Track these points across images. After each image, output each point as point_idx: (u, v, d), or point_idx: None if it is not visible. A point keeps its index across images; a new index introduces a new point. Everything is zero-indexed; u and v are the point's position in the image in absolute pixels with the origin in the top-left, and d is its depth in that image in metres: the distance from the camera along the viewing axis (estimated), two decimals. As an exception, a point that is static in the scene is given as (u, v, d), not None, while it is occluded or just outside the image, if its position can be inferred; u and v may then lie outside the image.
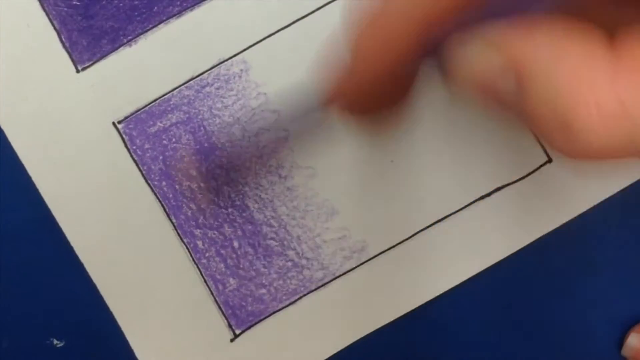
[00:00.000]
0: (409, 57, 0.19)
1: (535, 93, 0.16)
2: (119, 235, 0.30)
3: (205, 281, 0.30)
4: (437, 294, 0.30)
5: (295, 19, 0.30)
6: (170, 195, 0.30)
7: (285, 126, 0.25)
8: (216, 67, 0.30)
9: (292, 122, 0.25)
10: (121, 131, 0.30)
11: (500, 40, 0.17)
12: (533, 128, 0.17)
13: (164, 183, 0.30)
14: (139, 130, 0.30)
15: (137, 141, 0.30)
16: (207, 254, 0.30)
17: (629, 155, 0.16)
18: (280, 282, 0.30)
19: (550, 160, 0.30)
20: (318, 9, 0.30)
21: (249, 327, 0.30)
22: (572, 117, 0.16)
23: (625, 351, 0.30)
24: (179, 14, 0.30)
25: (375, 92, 0.20)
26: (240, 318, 0.30)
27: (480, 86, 0.18)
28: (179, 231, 0.30)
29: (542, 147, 0.30)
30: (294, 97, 0.25)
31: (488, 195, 0.30)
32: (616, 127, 0.15)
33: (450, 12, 0.18)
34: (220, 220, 0.30)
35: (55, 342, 0.30)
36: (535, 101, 0.16)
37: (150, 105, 0.30)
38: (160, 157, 0.30)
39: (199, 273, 0.30)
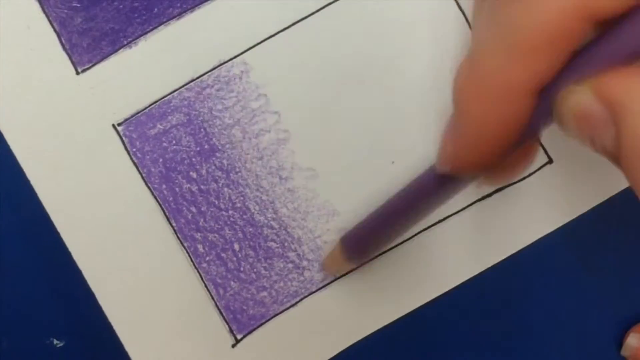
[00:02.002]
0: (518, 112, 0.18)
1: (631, 142, 0.16)
2: (118, 238, 0.30)
3: (205, 285, 0.30)
4: (438, 294, 0.30)
5: (295, 20, 0.30)
6: (171, 198, 0.30)
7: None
8: (216, 69, 0.30)
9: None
10: (121, 133, 0.30)
11: (604, 84, 0.17)
12: (629, 180, 0.17)
13: (164, 186, 0.30)
14: (139, 132, 0.30)
15: (137, 143, 0.30)
16: (207, 258, 0.30)
17: None
18: (281, 284, 0.30)
19: (551, 161, 0.30)
20: (318, 10, 0.30)
21: (251, 332, 0.30)
22: None
23: (624, 351, 0.30)
24: (179, 15, 0.30)
25: (490, 148, 0.19)
26: (242, 322, 0.30)
27: (583, 131, 0.17)
28: (179, 235, 0.30)
29: (543, 147, 0.30)
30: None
31: (489, 196, 0.30)
32: None
33: (555, 67, 0.17)
34: (220, 223, 0.30)
35: (55, 342, 0.30)
36: (630, 151, 0.16)
37: (150, 107, 0.30)
38: (161, 160, 0.30)
39: (199, 277, 0.30)
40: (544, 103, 0.18)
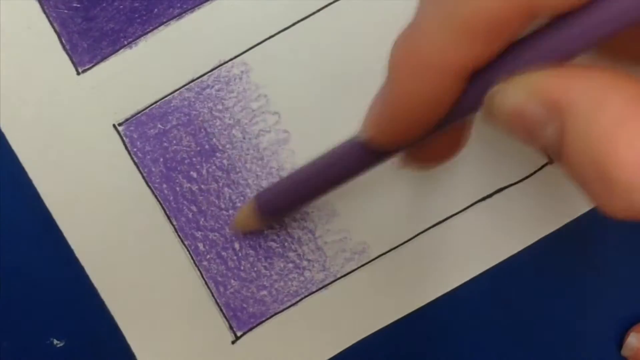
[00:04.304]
0: (448, 91, 0.18)
1: (574, 140, 0.16)
2: (119, 237, 0.30)
3: (206, 283, 0.30)
4: (438, 295, 0.30)
5: (295, 20, 0.30)
6: (171, 198, 0.30)
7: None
8: (216, 69, 0.30)
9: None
10: (122, 133, 0.30)
11: (541, 83, 0.16)
12: (572, 177, 0.16)
13: (164, 185, 0.30)
14: (140, 132, 0.30)
15: (138, 143, 0.30)
16: (208, 256, 0.30)
17: None
18: (282, 283, 0.30)
19: (551, 162, 0.30)
20: (319, 10, 0.30)
21: (250, 329, 0.30)
22: (612, 171, 0.15)
23: (625, 351, 0.30)
24: (179, 15, 0.30)
25: (415, 122, 0.20)
26: (242, 320, 0.30)
27: (522, 131, 0.17)
28: (179, 233, 0.30)
29: (543, 148, 0.30)
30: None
31: (489, 196, 0.30)
32: None
33: (488, 56, 0.17)
34: (221, 222, 0.30)
35: (55, 342, 0.30)
36: (575, 149, 0.16)
37: (150, 108, 0.30)
38: (161, 159, 0.30)
39: (199, 275, 0.30)
40: (473, 90, 0.18)
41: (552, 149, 0.17)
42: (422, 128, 0.19)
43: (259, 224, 0.29)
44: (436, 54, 0.18)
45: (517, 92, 0.17)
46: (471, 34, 0.17)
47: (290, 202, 0.28)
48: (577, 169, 0.16)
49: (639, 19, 0.16)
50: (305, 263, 0.30)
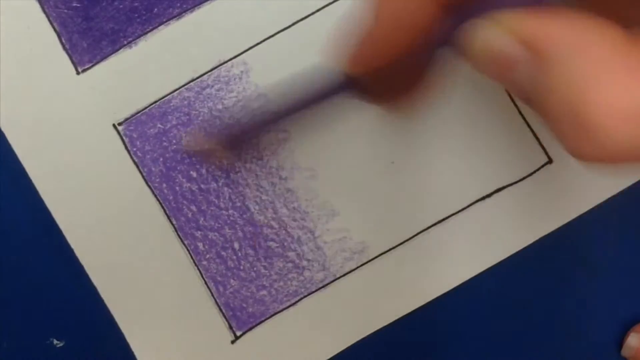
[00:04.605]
0: (427, 30, 0.18)
1: (551, 81, 0.16)
2: (119, 237, 0.30)
3: (205, 283, 0.30)
4: (438, 294, 0.30)
5: (295, 20, 0.30)
6: (171, 197, 0.30)
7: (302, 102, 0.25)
8: (216, 69, 0.30)
9: (309, 97, 0.25)
10: (121, 133, 0.30)
11: (522, 23, 0.16)
12: (546, 121, 0.16)
13: (164, 185, 0.30)
14: (140, 132, 0.30)
15: (138, 143, 0.30)
16: (207, 256, 0.30)
17: None
18: (281, 283, 0.30)
19: (550, 161, 0.30)
20: (318, 10, 0.30)
21: (250, 329, 0.30)
22: (588, 113, 0.15)
23: (625, 351, 0.30)
24: (179, 15, 0.30)
25: (393, 65, 0.20)
26: (241, 319, 0.30)
27: (497, 69, 0.17)
28: (179, 233, 0.30)
29: (543, 147, 0.30)
30: (312, 75, 0.24)
31: (489, 196, 0.30)
32: (634, 128, 0.15)
33: None
34: (220, 222, 0.30)
35: (55, 342, 0.30)
36: (551, 90, 0.16)
37: (150, 107, 0.30)
38: (161, 159, 0.30)
39: (199, 275, 0.30)
40: (451, 21, 0.18)
41: (524, 88, 0.17)
42: (395, 53, 0.19)
43: (209, 143, 0.29)
44: None
45: (494, 29, 0.17)
46: None
47: (249, 129, 0.27)
48: (552, 110, 0.16)
49: None
50: (304, 263, 0.30)
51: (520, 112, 0.30)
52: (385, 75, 0.21)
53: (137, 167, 0.30)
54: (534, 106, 0.17)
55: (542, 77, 0.16)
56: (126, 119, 0.30)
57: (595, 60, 0.15)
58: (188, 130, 0.30)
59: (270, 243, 0.30)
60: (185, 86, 0.30)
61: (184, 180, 0.30)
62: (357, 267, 0.30)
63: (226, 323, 0.30)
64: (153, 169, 0.30)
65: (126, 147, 0.30)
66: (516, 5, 0.17)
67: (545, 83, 0.16)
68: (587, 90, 0.15)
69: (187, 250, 0.30)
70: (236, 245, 0.30)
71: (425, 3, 0.18)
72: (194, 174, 0.30)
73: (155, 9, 0.30)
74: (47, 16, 0.30)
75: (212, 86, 0.30)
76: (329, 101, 0.24)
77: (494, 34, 0.17)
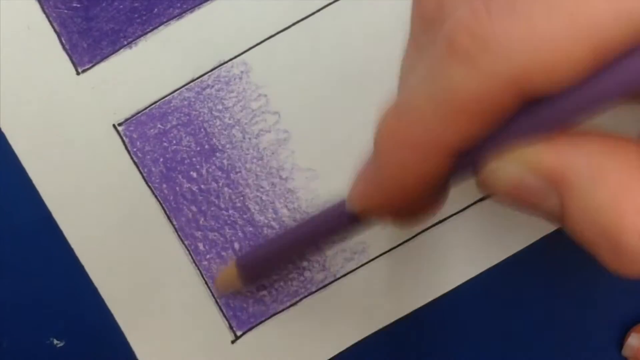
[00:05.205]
0: (436, 177, 0.18)
1: (577, 212, 0.16)
2: (119, 237, 0.30)
3: (206, 283, 0.30)
4: (438, 295, 0.30)
5: (295, 20, 0.30)
6: (171, 197, 0.30)
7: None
8: (216, 69, 0.30)
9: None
10: (121, 133, 0.30)
11: (539, 156, 0.16)
12: (579, 242, 0.17)
13: (164, 185, 0.30)
14: (140, 132, 0.30)
15: (138, 143, 0.30)
16: (208, 256, 0.30)
17: None
18: (281, 283, 0.30)
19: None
20: (319, 10, 0.30)
21: (250, 329, 0.30)
22: (619, 240, 0.15)
23: (625, 351, 0.30)
24: (179, 15, 0.30)
25: (402, 198, 0.19)
26: (241, 319, 0.30)
27: (526, 205, 0.17)
28: (179, 233, 0.30)
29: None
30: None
31: (489, 196, 0.30)
32: None
33: (479, 134, 0.17)
34: (221, 222, 0.30)
35: (55, 342, 0.30)
36: (578, 219, 0.16)
37: (150, 107, 0.30)
38: (161, 159, 0.30)
39: (199, 275, 0.30)
40: (463, 164, 0.18)
41: (556, 217, 0.17)
42: (410, 201, 0.19)
43: (240, 286, 0.29)
44: (426, 132, 0.17)
45: (513, 168, 0.17)
46: (459, 114, 0.16)
47: (271, 265, 0.28)
48: (584, 237, 0.16)
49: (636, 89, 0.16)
50: (305, 263, 0.30)
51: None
52: (394, 211, 0.21)
53: (137, 167, 0.30)
54: (567, 230, 0.17)
55: (567, 208, 0.16)
56: (126, 119, 0.30)
57: (615, 185, 0.15)
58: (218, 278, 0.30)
59: (271, 243, 0.30)
60: (186, 86, 0.30)
61: (184, 180, 0.30)
62: (358, 267, 0.30)
63: (226, 323, 0.30)
64: (153, 169, 0.30)
65: (126, 148, 0.30)
66: (532, 135, 0.17)
67: (572, 213, 0.16)
68: (614, 217, 0.15)
69: (188, 250, 0.30)
70: (236, 246, 0.30)
71: (431, 154, 0.18)
72: (194, 175, 0.30)
73: (155, 9, 0.30)
74: (47, 16, 0.30)
75: (213, 86, 0.30)
76: (345, 236, 0.25)
77: (514, 172, 0.17)
